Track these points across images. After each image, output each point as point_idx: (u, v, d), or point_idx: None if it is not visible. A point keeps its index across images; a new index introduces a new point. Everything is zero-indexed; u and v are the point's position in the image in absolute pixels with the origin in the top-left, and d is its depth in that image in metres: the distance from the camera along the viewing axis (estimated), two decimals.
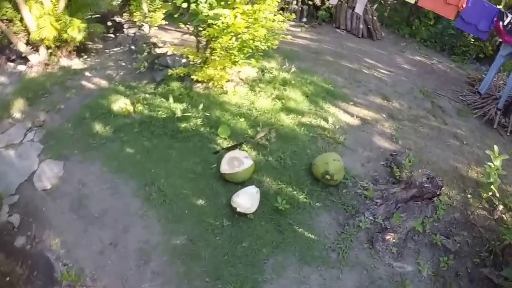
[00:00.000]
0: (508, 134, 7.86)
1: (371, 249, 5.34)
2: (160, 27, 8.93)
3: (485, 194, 5.97)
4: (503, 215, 6.06)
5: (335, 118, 7.11)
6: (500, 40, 8.83)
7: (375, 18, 11.04)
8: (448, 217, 5.88)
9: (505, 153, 6.06)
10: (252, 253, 5.11)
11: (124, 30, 9.71)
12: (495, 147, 5.69)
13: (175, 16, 7.13)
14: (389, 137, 6.98)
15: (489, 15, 8.05)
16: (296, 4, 10.95)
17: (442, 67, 10.23)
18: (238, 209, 5.32)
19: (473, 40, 10.88)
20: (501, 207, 6.13)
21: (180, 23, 7.07)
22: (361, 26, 10.89)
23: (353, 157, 6.44)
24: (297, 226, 5.45)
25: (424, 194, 5.56)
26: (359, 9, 9.76)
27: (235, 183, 5.75)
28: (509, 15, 7.83)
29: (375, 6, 11.27)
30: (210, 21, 6.12)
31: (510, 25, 7.87)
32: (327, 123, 6.95)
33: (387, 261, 5.28)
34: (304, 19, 11.13)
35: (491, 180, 5.50)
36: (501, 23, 7.92)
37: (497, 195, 5.94)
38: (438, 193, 5.64)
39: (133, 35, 9.30)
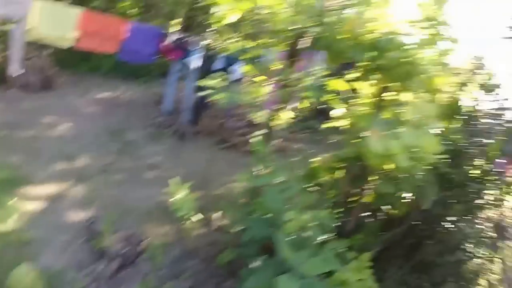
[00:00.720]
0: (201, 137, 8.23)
1: None
2: None
3: (185, 222, 5.82)
4: (219, 223, 6.16)
5: (16, 212, 5.90)
6: (168, 58, 9.07)
7: (50, 63, 9.89)
8: (169, 258, 5.57)
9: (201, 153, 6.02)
10: None
11: None
12: (174, 181, 5.41)
13: None
14: (81, 205, 6.21)
15: (153, 38, 8.18)
16: None
17: (129, 95, 10.08)
18: None
19: None
20: (213, 215, 6.23)
21: None
22: (34, 78, 9.56)
23: (49, 252, 5.41)
24: None
25: (129, 258, 5.12)
26: (15, 68, 8.47)
27: None
28: (171, 35, 8.14)
29: (48, 51, 9.93)
30: None
31: (176, 43, 8.18)
32: (6, 224, 5.68)
33: None
34: None
35: (186, 212, 5.31)
36: (166, 43, 8.16)
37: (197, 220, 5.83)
38: (141, 249, 5.28)
39: None
